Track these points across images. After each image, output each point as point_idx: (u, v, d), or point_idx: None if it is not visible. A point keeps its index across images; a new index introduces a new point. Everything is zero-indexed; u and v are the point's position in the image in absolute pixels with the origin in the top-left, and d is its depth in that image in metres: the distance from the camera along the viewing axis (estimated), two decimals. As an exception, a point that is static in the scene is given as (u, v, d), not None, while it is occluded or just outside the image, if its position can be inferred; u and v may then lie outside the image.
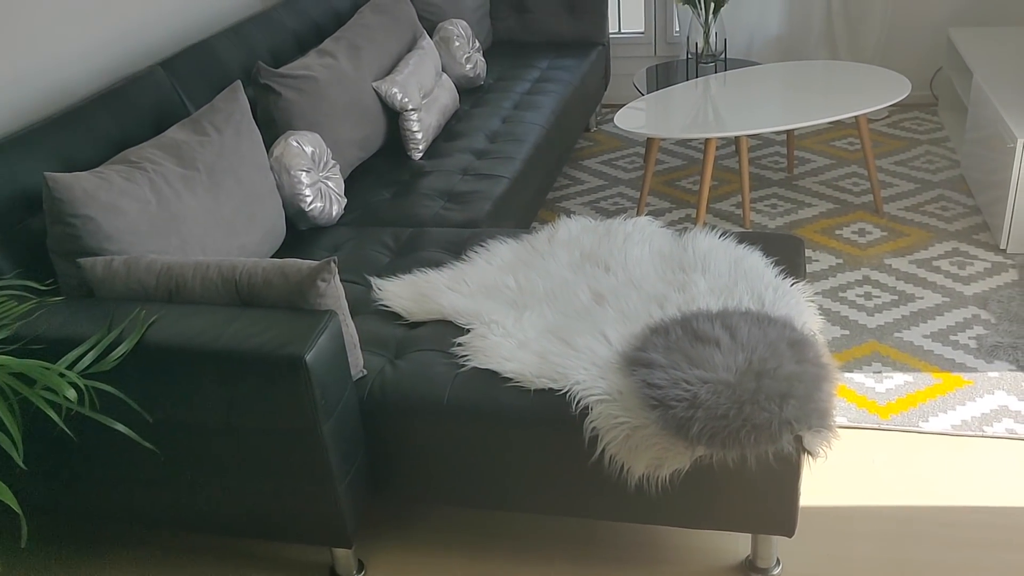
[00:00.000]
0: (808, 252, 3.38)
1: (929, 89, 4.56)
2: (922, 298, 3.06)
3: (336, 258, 1.97)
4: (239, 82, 2.61)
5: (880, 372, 2.72)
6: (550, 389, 1.98)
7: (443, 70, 3.68)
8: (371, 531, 2.34)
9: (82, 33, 2.69)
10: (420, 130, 3.22)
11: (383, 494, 2.16)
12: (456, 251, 2.55)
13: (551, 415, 1.96)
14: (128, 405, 1.96)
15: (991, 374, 2.67)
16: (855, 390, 2.66)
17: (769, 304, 2.13)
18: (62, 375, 1.75)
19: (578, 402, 1.94)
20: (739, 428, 1.81)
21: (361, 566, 2.23)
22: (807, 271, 3.25)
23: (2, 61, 2.42)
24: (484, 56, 4.24)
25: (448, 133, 3.43)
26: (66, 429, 1.78)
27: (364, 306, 2.36)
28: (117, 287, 2.06)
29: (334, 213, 2.79)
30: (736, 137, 3.42)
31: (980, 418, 2.52)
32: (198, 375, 1.91)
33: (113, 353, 1.87)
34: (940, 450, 2.44)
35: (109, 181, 2.15)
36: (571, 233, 2.51)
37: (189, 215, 2.27)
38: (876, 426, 2.53)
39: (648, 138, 3.55)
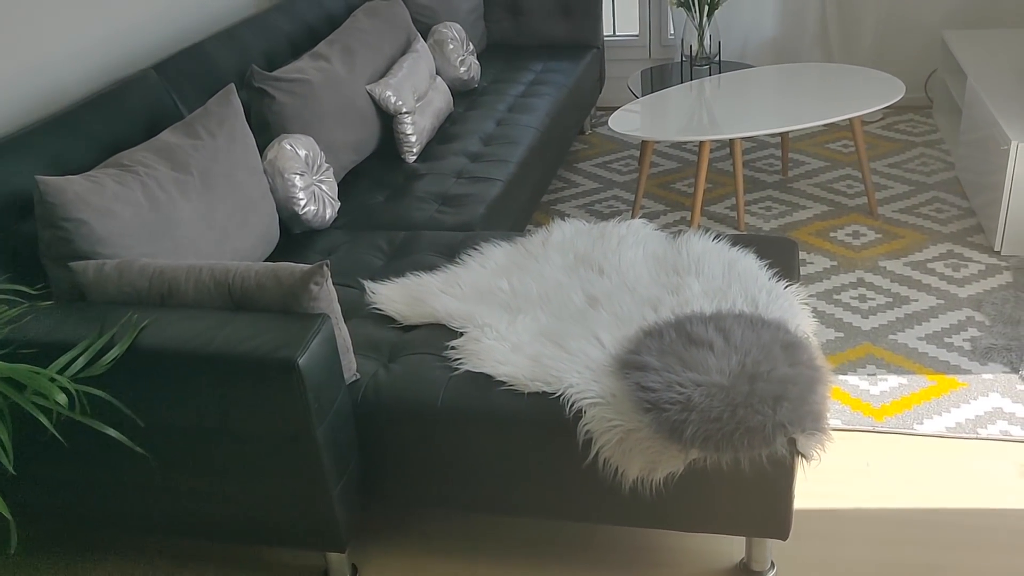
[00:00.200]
0: (802, 254, 3.38)
1: (923, 91, 4.57)
2: (916, 300, 3.06)
3: (329, 261, 1.97)
4: (232, 85, 2.60)
5: (874, 374, 2.72)
6: (544, 392, 1.98)
7: (437, 73, 3.68)
8: (365, 535, 2.33)
9: (75, 36, 2.68)
10: (414, 133, 3.22)
11: (377, 498, 2.16)
12: (450, 254, 2.55)
13: (545, 418, 1.96)
14: (120, 410, 1.96)
15: (985, 376, 2.67)
16: (849, 392, 2.66)
17: (763, 307, 2.13)
18: (53, 380, 1.74)
19: (572, 405, 1.94)
20: (733, 431, 1.81)
21: (355, 570, 2.22)
22: (801, 273, 3.25)
23: (-6, 64, 2.41)
24: (478, 59, 4.24)
25: (442, 136, 3.42)
26: (57, 435, 1.77)
27: (358, 309, 2.36)
28: (109, 291, 2.05)
29: (328, 216, 2.78)
30: (730, 140, 3.42)
31: (974, 420, 2.52)
32: (190, 379, 1.90)
33: (105, 357, 1.86)
34: (934, 452, 2.44)
35: (101, 185, 2.14)
36: (565, 236, 2.51)
37: (182, 219, 2.26)
38: (870, 428, 2.52)
39: (643, 141, 3.55)
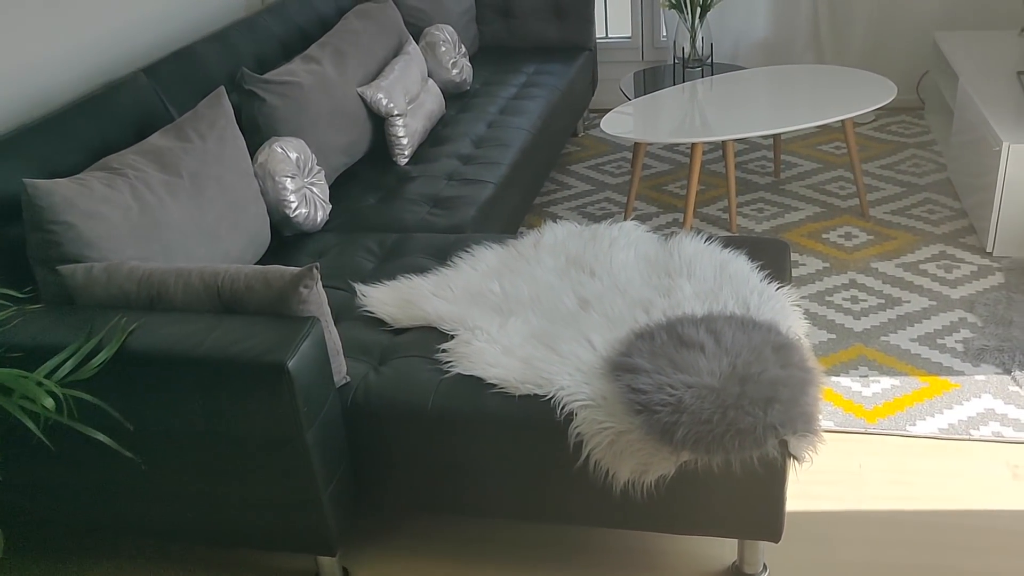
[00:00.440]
0: (794, 256, 3.38)
1: (915, 93, 4.57)
2: (908, 302, 3.06)
3: (318, 264, 1.96)
4: (223, 88, 2.60)
5: (866, 376, 2.72)
6: (535, 395, 1.97)
7: (429, 75, 3.67)
8: (356, 538, 2.32)
9: (64, 38, 2.67)
10: (406, 135, 3.21)
11: (367, 501, 2.15)
12: (441, 257, 2.54)
13: (536, 421, 1.95)
14: (108, 414, 1.94)
15: (978, 377, 2.67)
16: (841, 394, 2.65)
17: (754, 308, 2.13)
18: (40, 384, 1.73)
19: (563, 408, 1.93)
20: (723, 433, 1.81)
21: (346, 573, 2.21)
22: (793, 275, 3.25)
23: (-18, 67, 2.40)
24: (470, 61, 4.24)
25: (434, 138, 3.42)
26: (44, 439, 1.76)
27: (348, 312, 2.35)
28: (97, 294, 2.04)
29: (319, 219, 2.77)
30: (723, 141, 3.42)
31: (967, 421, 2.52)
32: (179, 383, 1.89)
33: (93, 361, 1.85)
34: (927, 454, 2.44)
35: (90, 188, 2.13)
36: (557, 238, 2.50)
37: (172, 222, 2.25)
38: (863, 430, 2.52)
39: (635, 143, 3.54)
